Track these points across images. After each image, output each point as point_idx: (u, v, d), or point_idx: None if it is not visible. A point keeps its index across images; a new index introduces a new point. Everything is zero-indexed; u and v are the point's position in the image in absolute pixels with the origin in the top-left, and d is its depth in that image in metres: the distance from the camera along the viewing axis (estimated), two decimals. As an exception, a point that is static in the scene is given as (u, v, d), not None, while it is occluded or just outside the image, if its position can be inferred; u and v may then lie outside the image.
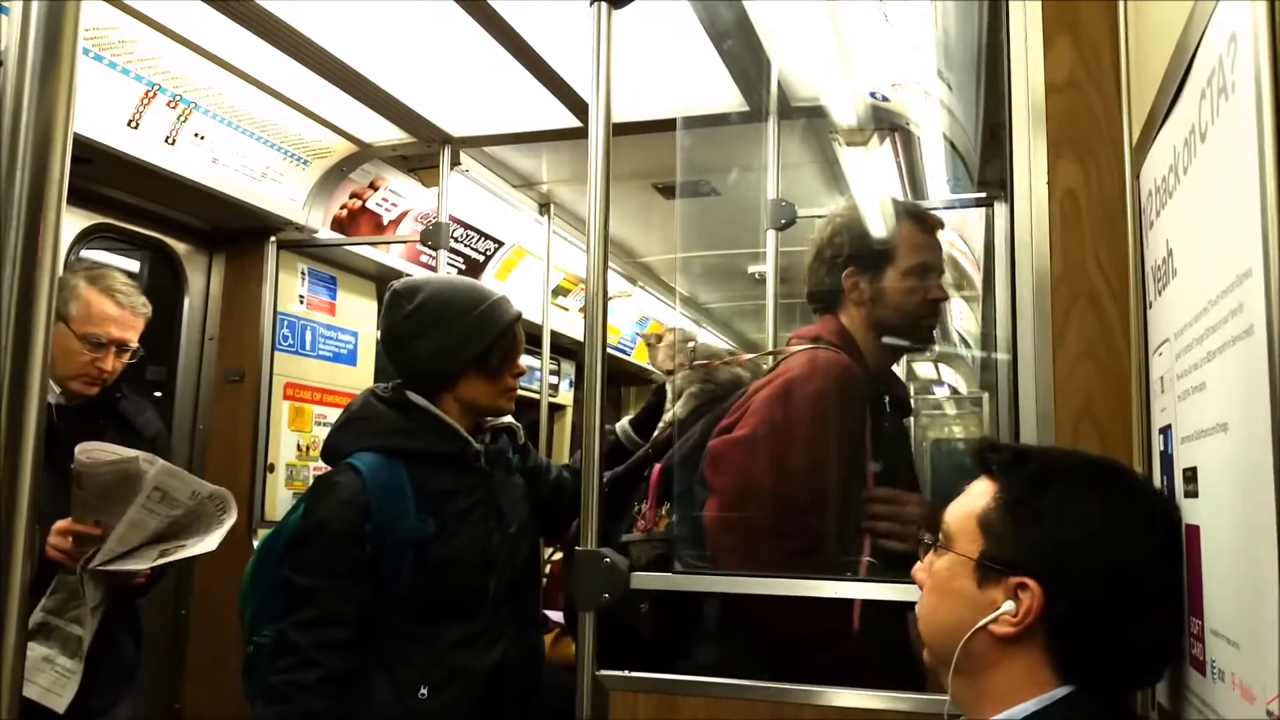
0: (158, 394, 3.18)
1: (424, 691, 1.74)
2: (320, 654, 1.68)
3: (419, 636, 1.78)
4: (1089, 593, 0.96)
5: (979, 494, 1.04)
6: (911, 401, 1.99)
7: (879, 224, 1.89)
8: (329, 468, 1.87)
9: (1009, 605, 0.96)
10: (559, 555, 2.74)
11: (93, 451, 1.85)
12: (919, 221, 1.92)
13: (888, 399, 1.92)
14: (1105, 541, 0.97)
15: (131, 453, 1.88)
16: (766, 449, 1.72)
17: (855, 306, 1.87)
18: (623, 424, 2.17)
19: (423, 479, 1.81)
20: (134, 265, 3.17)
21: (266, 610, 1.80)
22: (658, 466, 2.01)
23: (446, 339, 1.86)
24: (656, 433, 2.10)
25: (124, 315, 2.14)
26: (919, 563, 1.12)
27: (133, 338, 2.17)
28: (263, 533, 2.51)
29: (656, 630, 1.80)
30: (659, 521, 1.95)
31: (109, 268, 2.29)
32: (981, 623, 0.97)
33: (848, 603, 1.63)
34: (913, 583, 1.11)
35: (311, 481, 2.60)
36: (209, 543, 2.00)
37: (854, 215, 1.92)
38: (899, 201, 1.98)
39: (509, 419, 2.03)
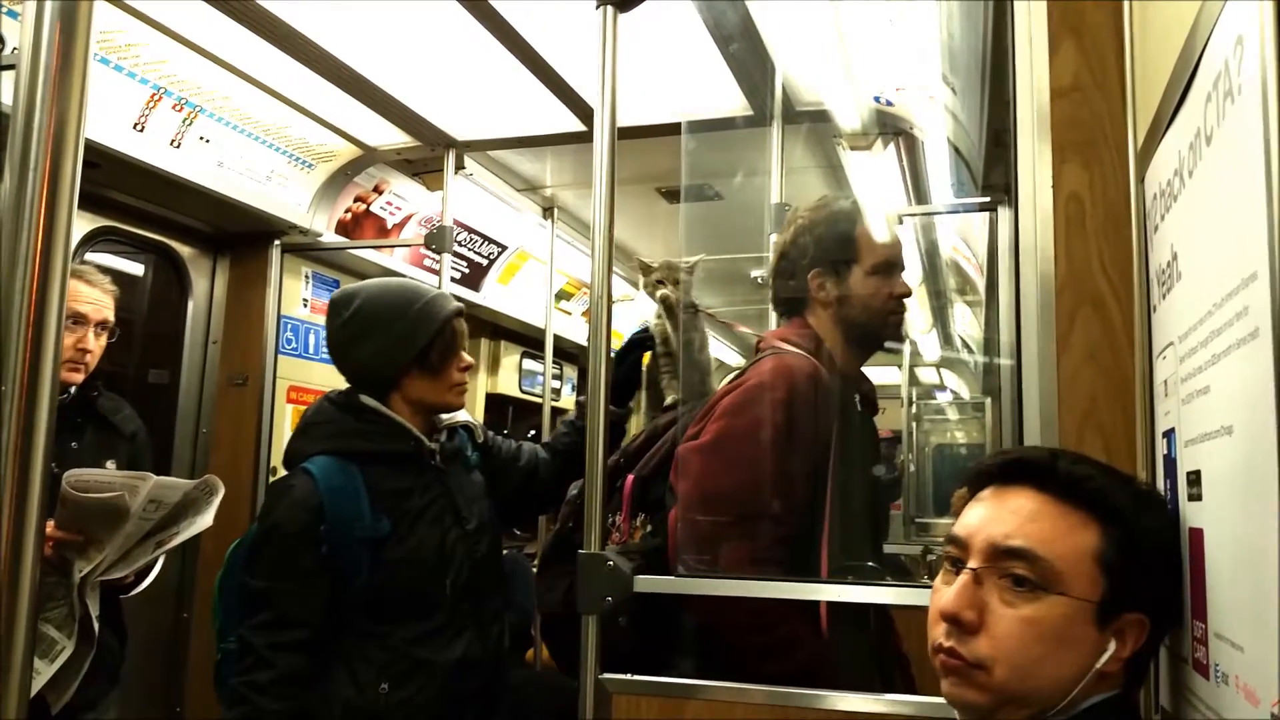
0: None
1: (384, 687, 1.76)
2: (275, 655, 1.71)
3: (378, 633, 1.80)
4: (1178, 618, 0.98)
5: (1071, 526, 0.93)
6: (878, 400, 1.99)
7: (840, 225, 1.89)
8: None
9: (1114, 643, 0.92)
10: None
11: (81, 479, 1.83)
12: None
13: (858, 397, 1.92)
14: (1180, 564, 0.99)
15: (119, 481, 1.86)
16: (731, 454, 1.71)
17: (822, 308, 1.86)
18: None
19: (377, 479, 1.83)
20: (139, 268, 3.18)
21: (232, 618, 1.83)
22: (630, 478, 1.99)
23: (384, 341, 1.88)
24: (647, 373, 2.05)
25: (95, 293, 2.20)
26: (955, 592, 0.94)
27: (109, 316, 2.22)
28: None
29: (633, 643, 1.78)
30: (634, 534, 1.93)
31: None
32: (1099, 664, 0.91)
33: (812, 606, 1.62)
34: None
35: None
36: (202, 521, 2.01)
37: (815, 218, 1.92)
38: (857, 202, 1.98)
39: (465, 416, 2.04)
